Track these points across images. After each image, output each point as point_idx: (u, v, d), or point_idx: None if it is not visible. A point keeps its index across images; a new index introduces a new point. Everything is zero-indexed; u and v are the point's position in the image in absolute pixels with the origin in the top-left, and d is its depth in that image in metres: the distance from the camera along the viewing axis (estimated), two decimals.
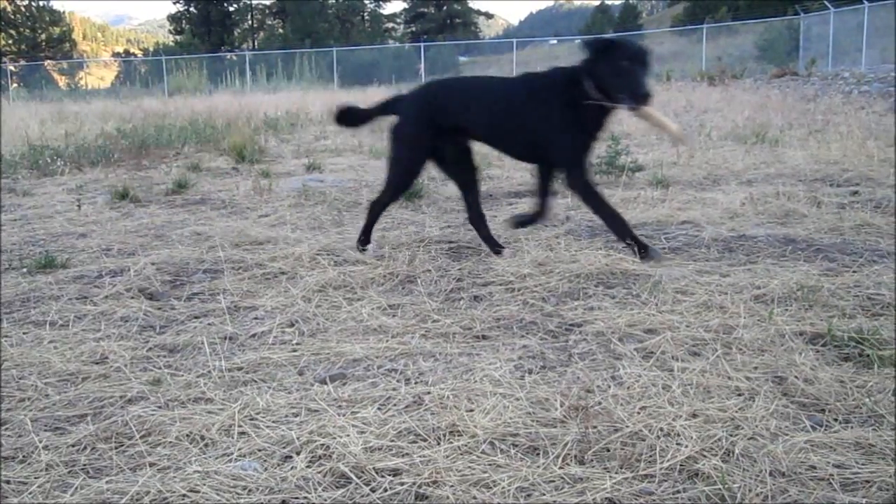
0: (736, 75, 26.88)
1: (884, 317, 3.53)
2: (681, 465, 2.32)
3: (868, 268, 4.26)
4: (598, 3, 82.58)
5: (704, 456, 2.35)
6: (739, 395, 2.76)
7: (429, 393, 2.85)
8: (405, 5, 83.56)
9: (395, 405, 2.78)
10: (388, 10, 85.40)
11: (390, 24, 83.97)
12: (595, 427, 2.54)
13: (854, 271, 4.20)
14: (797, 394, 2.78)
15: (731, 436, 2.47)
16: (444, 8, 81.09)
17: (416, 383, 2.98)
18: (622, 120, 12.87)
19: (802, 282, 3.93)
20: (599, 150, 7.78)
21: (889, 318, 3.49)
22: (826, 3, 35.37)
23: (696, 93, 18.53)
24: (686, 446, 2.39)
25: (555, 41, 67.29)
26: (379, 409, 2.74)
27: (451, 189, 6.99)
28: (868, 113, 12.38)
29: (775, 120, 11.14)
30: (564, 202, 6.32)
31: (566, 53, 60.66)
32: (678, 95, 17.53)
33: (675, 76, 27.55)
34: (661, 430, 2.51)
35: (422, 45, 41.59)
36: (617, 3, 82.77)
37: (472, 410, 2.69)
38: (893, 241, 4.83)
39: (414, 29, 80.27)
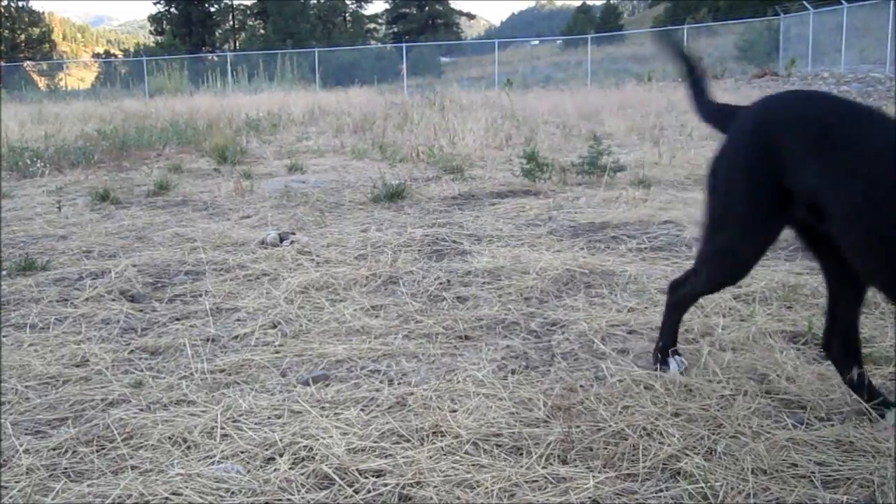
0: (717, 76, 27.00)
1: (863, 314, 3.55)
2: (663, 464, 2.32)
3: None
4: (579, 3, 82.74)
5: (687, 454, 2.36)
6: (722, 394, 2.77)
7: (412, 394, 2.85)
8: (387, 6, 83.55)
9: (378, 406, 2.77)
10: (369, 10, 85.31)
11: (372, 25, 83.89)
12: (578, 426, 2.54)
13: None
14: (779, 392, 2.80)
15: (713, 434, 2.49)
16: (426, 9, 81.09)
17: (399, 384, 2.98)
18: (603, 120, 12.94)
19: (783, 280, 3.95)
20: (581, 150, 7.82)
21: (869, 315, 3.52)
22: (805, 3, 35.61)
23: (677, 93, 18.57)
24: (669, 445, 2.40)
25: (536, 42, 67.40)
26: (362, 410, 2.74)
27: (434, 189, 7.02)
28: None
29: None
30: (546, 202, 6.34)
31: (547, 54, 60.87)
32: (659, 96, 17.59)
33: (656, 77, 27.64)
34: (644, 429, 2.52)
35: (403, 45, 41.52)
36: (598, 4, 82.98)
37: (455, 411, 2.69)
38: None
39: (396, 29, 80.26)
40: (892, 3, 28.10)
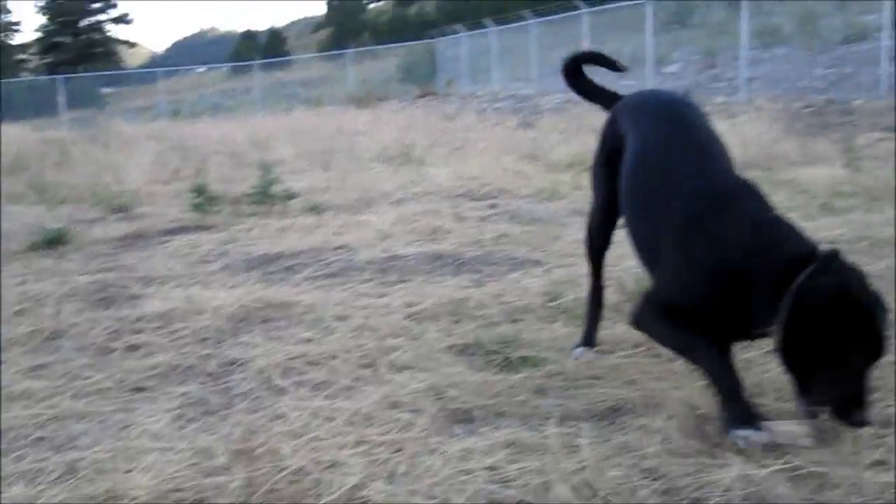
0: (381, 98, 27.97)
1: (523, 321, 3.83)
2: (348, 495, 2.34)
3: (508, 276, 4.60)
4: (243, 30, 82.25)
5: (370, 482, 2.40)
6: (401, 417, 2.84)
7: (82, 459, 2.66)
8: (38, 35, 77.90)
9: (45, 478, 2.56)
10: (17, 40, 78.90)
11: (23, 56, 77.83)
12: (260, 469, 2.50)
13: (496, 280, 4.51)
14: (452, 405, 2.93)
15: (394, 457, 2.55)
16: (82, 37, 76.68)
17: (68, 450, 2.77)
18: (274, 147, 12.93)
19: (451, 296, 4.15)
20: (252, 180, 7.75)
21: (528, 321, 3.79)
22: (458, 27, 37.92)
23: (345, 116, 19.04)
24: (351, 475, 2.43)
25: (203, 69, 66.10)
26: (27, 485, 2.52)
27: (99, 230, 6.64)
28: (502, 128, 13.41)
29: (420, 139, 11.73)
30: (218, 236, 6.21)
31: (215, 81, 59.86)
32: (329, 120, 17.89)
33: (325, 101, 28.09)
34: (328, 462, 2.53)
35: (60, 77, 38.87)
36: (262, 30, 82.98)
37: (130, 471, 2.54)
38: (529, 249, 5.28)
39: (51, 59, 75.04)
40: (532, 26, 30.64)
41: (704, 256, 2.70)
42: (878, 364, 2.44)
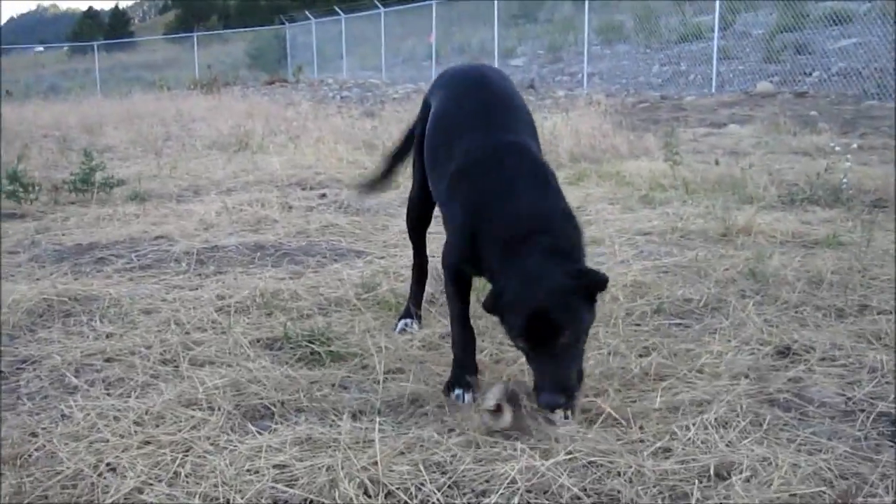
0: (229, 83, 27.31)
1: (337, 313, 3.78)
2: (125, 499, 2.24)
3: (328, 267, 4.54)
4: (85, 8, 78.66)
5: (150, 484, 2.30)
6: (193, 415, 2.74)
7: None
8: None
9: None
10: None
11: None
12: (33, 475, 2.35)
13: (315, 272, 4.44)
14: (251, 401, 2.85)
15: (181, 457, 2.45)
16: None
17: None
18: (107, 132, 12.41)
19: (265, 288, 4.05)
20: (73, 168, 7.39)
21: (341, 313, 3.75)
22: (308, 13, 37.45)
23: (187, 101, 18.47)
24: (130, 478, 2.32)
25: (41, 48, 62.99)
26: None
27: None
28: (345, 117, 13.28)
29: (259, 127, 11.47)
30: (31, 225, 5.88)
31: (53, 62, 57.05)
32: (170, 105, 17.30)
33: (170, 84, 27.15)
34: (108, 464, 2.41)
35: None
36: (106, 8, 79.71)
37: None
38: (353, 240, 5.23)
39: None
40: (382, 15, 30.59)
41: (460, 208, 2.87)
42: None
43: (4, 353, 3.41)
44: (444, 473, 2.34)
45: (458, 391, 2.84)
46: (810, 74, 16.66)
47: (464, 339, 2.96)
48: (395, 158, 3.90)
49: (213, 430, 2.63)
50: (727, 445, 2.45)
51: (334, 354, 3.24)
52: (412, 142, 3.60)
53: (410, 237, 3.69)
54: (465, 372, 2.90)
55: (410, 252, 3.73)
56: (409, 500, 2.22)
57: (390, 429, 2.63)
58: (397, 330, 3.54)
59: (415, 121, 3.60)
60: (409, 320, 3.58)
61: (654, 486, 2.28)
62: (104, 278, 4.48)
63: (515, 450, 2.44)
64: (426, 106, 3.45)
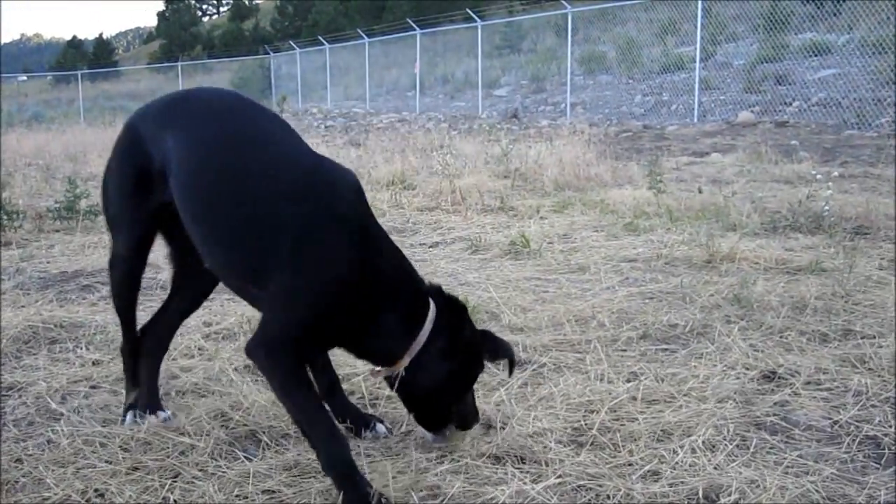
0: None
1: None
2: None
3: None
4: (69, 37, 78.81)
5: None
6: (182, 441, 2.73)
7: None
8: None
9: None
10: None
11: None
12: (20, 501, 2.34)
13: None
14: (238, 427, 2.84)
15: (170, 483, 2.44)
16: None
17: None
18: (90, 160, 12.38)
19: (251, 315, 4.04)
20: (57, 196, 7.37)
21: None
22: (293, 44, 37.65)
23: None
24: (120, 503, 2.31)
25: (24, 77, 62.92)
26: None
27: None
28: (329, 146, 13.32)
29: None
30: (16, 253, 5.85)
31: (37, 91, 56.97)
32: None
33: None
34: (96, 490, 2.40)
35: None
36: (91, 38, 79.81)
37: None
38: None
39: None
40: (367, 45, 30.77)
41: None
42: None
43: None
44: (435, 497, 2.34)
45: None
46: (791, 104, 16.84)
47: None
48: (135, 296, 2.97)
49: (202, 456, 2.62)
50: (715, 468, 2.47)
51: None
52: (143, 265, 2.86)
53: (122, 312, 2.94)
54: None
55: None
56: None
57: (379, 454, 2.63)
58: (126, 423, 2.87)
59: (122, 201, 2.81)
60: (133, 413, 2.91)
61: None
62: (89, 305, 4.46)
63: (506, 474, 2.44)
64: (140, 158, 2.70)
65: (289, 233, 2.36)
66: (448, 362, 2.49)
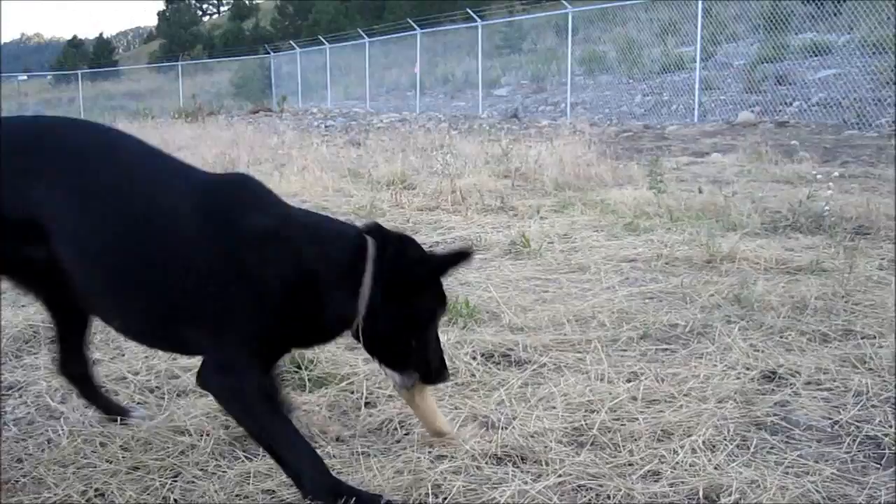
0: (213, 112, 27.32)
1: None
2: None
3: None
4: (70, 37, 78.85)
5: None
6: (182, 440, 2.73)
7: None
8: None
9: None
10: None
11: None
12: (21, 501, 2.34)
13: None
14: (238, 427, 2.83)
15: (170, 482, 2.44)
16: None
17: None
18: None
19: None
20: None
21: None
22: (293, 44, 37.66)
23: (172, 130, 18.47)
24: (121, 502, 2.31)
25: (25, 77, 62.91)
26: None
27: None
28: (329, 146, 13.31)
29: (244, 155, 11.49)
30: None
31: (37, 90, 57.00)
32: (152, 134, 17.28)
33: (154, 113, 27.12)
34: (97, 490, 2.40)
35: None
36: (91, 37, 79.84)
37: None
38: None
39: None
40: (367, 45, 30.78)
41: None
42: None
43: None
44: (435, 497, 2.35)
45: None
46: (791, 104, 16.85)
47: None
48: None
49: (202, 456, 2.62)
50: (715, 468, 2.47)
51: (323, 379, 3.23)
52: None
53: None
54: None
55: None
56: None
57: (379, 453, 2.63)
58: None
59: None
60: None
61: None
62: None
63: (506, 474, 2.44)
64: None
65: (207, 253, 2.31)
66: (399, 300, 2.42)
